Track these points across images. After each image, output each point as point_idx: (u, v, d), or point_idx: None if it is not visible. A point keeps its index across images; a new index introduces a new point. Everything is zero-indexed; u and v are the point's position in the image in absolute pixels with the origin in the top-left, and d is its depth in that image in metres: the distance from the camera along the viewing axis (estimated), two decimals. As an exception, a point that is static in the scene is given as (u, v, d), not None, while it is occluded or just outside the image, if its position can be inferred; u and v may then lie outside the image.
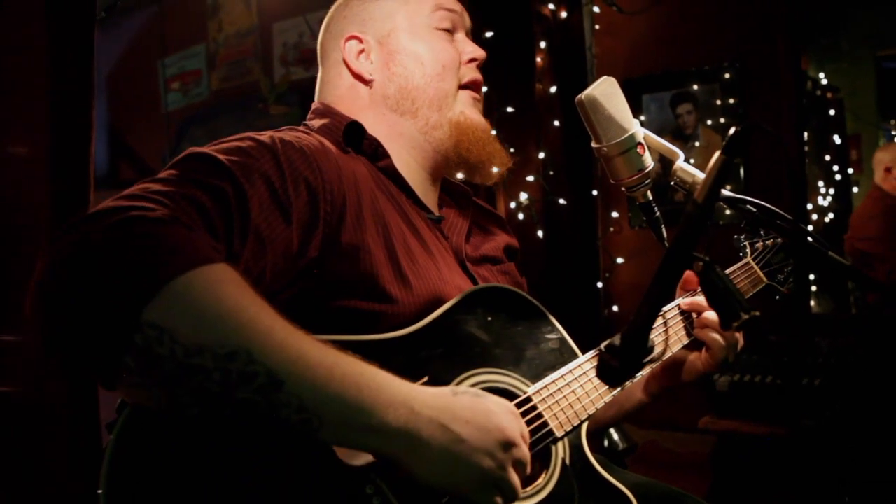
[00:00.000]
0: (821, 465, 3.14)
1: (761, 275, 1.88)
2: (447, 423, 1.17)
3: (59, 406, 1.82)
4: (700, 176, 1.45)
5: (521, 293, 1.56)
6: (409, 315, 1.42)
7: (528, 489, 1.37)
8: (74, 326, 1.02)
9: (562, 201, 3.93)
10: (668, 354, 1.65)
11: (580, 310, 4.04)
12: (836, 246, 4.24)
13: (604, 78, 1.50)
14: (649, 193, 1.55)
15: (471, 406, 1.22)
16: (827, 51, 4.59)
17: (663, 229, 1.58)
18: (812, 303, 4.09)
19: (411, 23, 1.68)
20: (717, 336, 1.66)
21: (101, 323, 1.01)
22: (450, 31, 1.71)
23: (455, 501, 1.23)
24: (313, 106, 1.71)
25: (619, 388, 1.53)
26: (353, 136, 1.58)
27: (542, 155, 3.87)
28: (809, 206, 4.21)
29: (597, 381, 1.49)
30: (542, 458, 1.42)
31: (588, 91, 1.48)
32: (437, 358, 1.38)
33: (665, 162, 1.53)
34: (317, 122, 1.61)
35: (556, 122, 3.96)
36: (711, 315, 1.65)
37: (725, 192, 1.35)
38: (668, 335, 1.65)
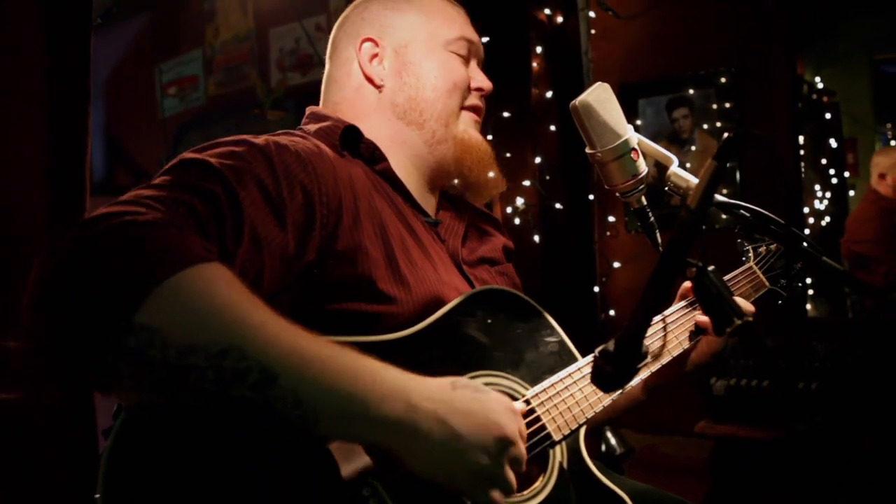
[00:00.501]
0: (818, 469, 3.15)
1: (764, 279, 1.89)
2: (445, 417, 1.17)
3: (56, 411, 1.82)
4: (694, 181, 1.45)
5: (521, 296, 1.57)
6: (407, 317, 1.42)
7: (526, 492, 1.37)
8: (68, 332, 1.02)
9: (558, 206, 3.93)
10: (667, 359, 1.65)
11: (577, 314, 4.04)
12: (833, 249, 4.25)
13: (598, 84, 1.50)
14: (643, 199, 1.56)
15: (470, 401, 1.22)
16: (823, 55, 4.60)
17: (658, 234, 1.58)
18: (808, 306, 4.10)
19: (431, 40, 1.70)
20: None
21: (94, 328, 1.01)
22: (465, 58, 1.74)
23: (451, 497, 1.22)
24: (308, 111, 1.71)
25: (616, 393, 1.53)
26: (350, 139, 1.58)
27: (538, 159, 3.87)
28: (806, 210, 4.21)
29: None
30: (539, 461, 1.42)
31: (582, 97, 1.48)
32: (436, 360, 1.38)
33: (661, 166, 1.53)
34: (312, 127, 1.61)
35: (553, 127, 3.96)
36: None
37: (719, 197, 1.36)
38: (667, 339, 1.65)
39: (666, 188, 1.51)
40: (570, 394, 1.47)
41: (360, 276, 1.39)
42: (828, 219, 4.48)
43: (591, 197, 4.14)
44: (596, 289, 4.15)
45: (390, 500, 1.19)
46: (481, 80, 1.75)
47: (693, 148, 4.12)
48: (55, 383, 1.79)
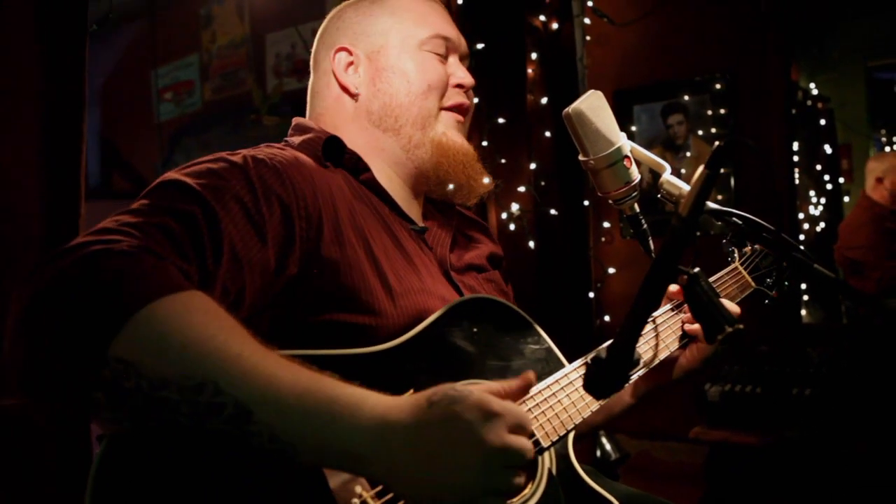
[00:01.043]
0: (812, 475, 3.15)
1: (749, 280, 1.89)
2: (421, 444, 1.11)
3: (51, 416, 1.82)
4: (686, 189, 1.46)
5: (506, 303, 1.56)
6: (393, 327, 1.41)
7: (515, 499, 1.37)
8: (45, 365, 1.02)
9: (553, 212, 3.94)
10: (656, 362, 1.66)
11: (572, 320, 4.04)
12: (828, 255, 4.26)
13: (591, 91, 1.51)
14: (636, 206, 1.57)
15: (446, 420, 1.13)
16: (818, 61, 4.61)
17: (650, 241, 1.59)
18: (803, 313, 4.10)
19: (404, 42, 1.69)
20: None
21: (70, 360, 1.01)
22: (443, 56, 1.72)
23: None
24: (294, 122, 1.72)
25: (605, 399, 1.53)
26: (333, 150, 1.58)
27: (533, 166, 3.88)
28: (801, 216, 4.22)
29: (583, 391, 1.49)
30: (528, 467, 1.42)
31: (575, 105, 1.49)
32: (422, 370, 1.37)
33: (657, 173, 1.54)
34: (296, 138, 1.61)
35: (548, 133, 3.96)
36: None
37: (711, 204, 1.36)
38: (657, 342, 1.66)
39: (658, 195, 1.52)
40: (558, 400, 1.46)
41: (345, 288, 1.39)
42: (822, 224, 4.48)
43: (587, 203, 4.14)
44: (591, 294, 4.15)
45: None
46: (462, 76, 1.73)
47: (688, 154, 4.13)
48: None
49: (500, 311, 1.54)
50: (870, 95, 4.59)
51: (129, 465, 1.09)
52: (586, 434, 1.92)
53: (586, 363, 1.18)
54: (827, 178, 4.61)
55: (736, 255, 1.92)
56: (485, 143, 3.50)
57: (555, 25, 4.12)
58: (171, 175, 1.30)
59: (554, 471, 1.45)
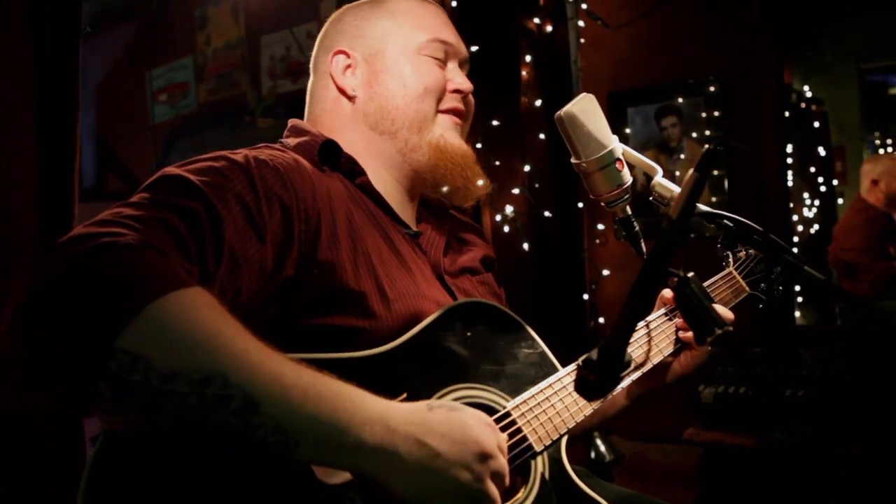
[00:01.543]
0: (806, 476, 3.16)
1: (743, 284, 1.89)
2: (423, 438, 1.18)
3: (43, 417, 1.82)
4: (678, 191, 1.46)
5: (500, 307, 1.57)
6: (387, 331, 1.42)
7: (508, 503, 1.38)
8: (48, 357, 1.02)
9: (547, 214, 3.94)
10: (650, 365, 1.66)
11: (566, 322, 4.05)
12: (822, 257, 4.27)
13: (583, 95, 1.52)
14: (628, 208, 1.57)
15: (446, 420, 1.22)
16: (811, 64, 4.62)
17: (642, 244, 1.60)
18: (797, 314, 4.11)
19: (402, 46, 1.68)
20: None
21: (75, 352, 1.01)
22: (441, 61, 1.72)
23: None
24: (290, 123, 1.72)
25: (597, 403, 1.54)
26: (329, 154, 1.58)
27: (527, 168, 3.88)
28: (795, 218, 4.23)
29: (576, 395, 1.49)
30: (521, 472, 1.42)
31: (567, 108, 1.50)
32: (416, 374, 1.38)
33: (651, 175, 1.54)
34: (292, 140, 1.61)
35: (542, 136, 3.97)
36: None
37: (702, 207, 1.37)
38: (650, 346, 1.66)
39: (650, 198, 1.53)
40: (551, 404, 1.47)
41: (339, 292, 1.39)
42: (816, 226, 4.49)
43: (581, 205, 4.15)
44: (585, 296, 4.16)
45: None
46: (460, 82, 1.72)
47: (682, 156, 4.14)
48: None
49: (493, 314, 1.54)
50: (863, 98, 4.60)
51: (122, 467, 1.09)
52: (580, 436, 1.93)
53: (578, 366, 1.19)
54: (821, 180, 4.62)
55: (731, 259, 1.92)
56: (479, 146, 3.50)
57: (549, 28, 4.13)
58: (172, 170, 1.30)
59: (547, 475, 1.45)
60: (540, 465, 1.45)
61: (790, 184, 4.13)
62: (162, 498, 1.10)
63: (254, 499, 1.14)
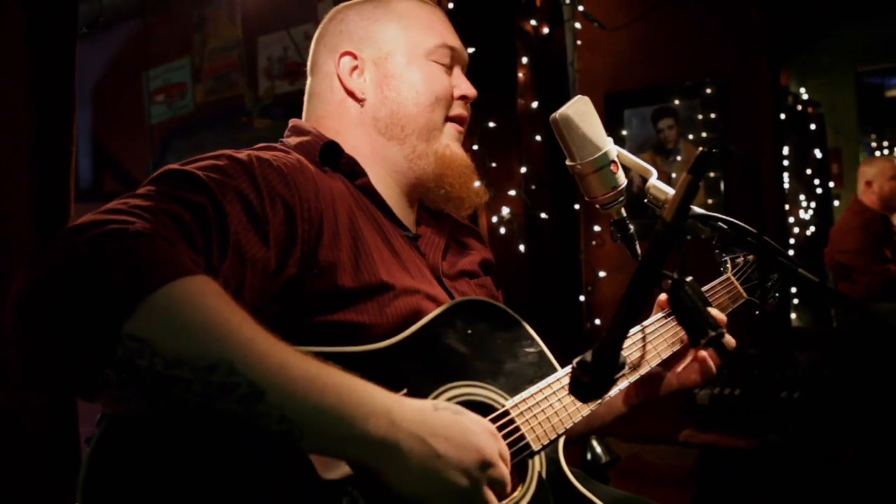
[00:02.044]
0: (803, 478, 3.16)
1: (741, 290, 1.89)
2: (426, 438, 1.18)
3: (37, 417, 1.82)
4: (672, 193, 1.47)
5: (501, 306, 1.57)
6: (388, 328, 1.42)
7: (504, 502, 1.38)
8: (54, 340, 1.02)
9: (544, 216, 3.95)
10: (646, 369, 1.66)
11: (563, 323, 4.05)
12: (818, 259, 4.28)
13: (578, 97, 1.52)
14: (623, 210, 1.57)
15: (450, 423, 1.23)
16: (808, 66, 4.64)
17: (637, 246, 1.60)
18: (792, 316, 4.12)
19: (411, 50, 1.67)
20: (707, 360, 1.69)
21: (82, 336, 1.01)
22: (448, 67, 1.72)
23: None
24: (290, 123, 1.71)
25: (595, 404, 1.54)
26: (330, 155, 1.58)
27: (523, 169, 3.89)
28: (791, 220, 4.24)
29: None
30: (518, 471, 1.43)
31: (562, 110, 1.50)
32: (416, 370, 1.38)
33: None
34: (293, 140, 1.61)
35: (538, 137, 3.98)
36: None
37: (697, 209, 1.37)
38: (646, 350, 1.67)
39: (645, 200, 1.53)
40: (550, 404, 1.48)
41: (340, 290, 1.40)
42: (813, 228, 4.51)
43: (577, 207, 4.15)
44: (581, 298, 4.16)
45: None
46: (465, 88, 1.73)
47: (678, 158, 4.14)
48: (37, 388, 1.80)
49: (494, 313, 1.55)
50: (859, 100, 4.63)
51: (122, 456, 1.10)
52: (578, 440, 1.94)
53: (572, 367, 1.19)
54: (817, 182, 4.64)
55: (729, 265, 1.92)
56: (475, 147, 3.51)
57: (546, 30, 4.14)
58: (177, 166, 1.30)
59: (544, 474, 1.46)
60: (537, 465, 1.45)
61: (786, 186, 4.14)
62: (161, 489, 1.10)
63: (254, 492, 1.14)
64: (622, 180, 1.54)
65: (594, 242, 4.25)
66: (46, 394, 1.83)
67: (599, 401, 1.56)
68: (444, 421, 1.22)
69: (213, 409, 1.05)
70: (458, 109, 1.72)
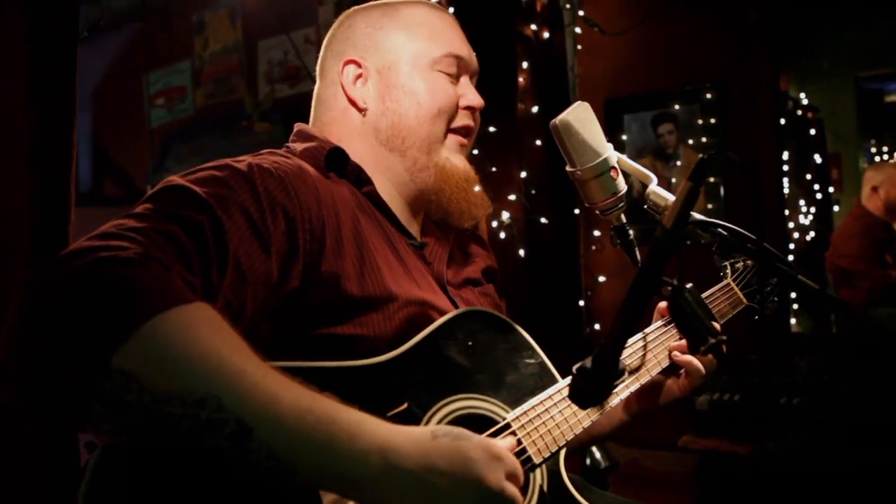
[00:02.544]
0: (802, 484, 3.16)
1: (741, 296, 1.89)
2: (423, 475, 1.13)
3: (36, 421, 1.82)
4: (672, 200, 1.47)
5: (502, 317, 1.56)
6: (391, 339, 1.41)
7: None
8: (42, 374, 1.01)
9: (543, 220, 3.95)
10: (647, 378, 1.66)
11: (562, 328, 4.05)
12: (818, 264, 4.28)
13: (578, 103, 1.52)
14: (623, 216, 1.57)
15: (450, 453, 1.16)
16: (807, 71, 4.63)
17: (637, 252, 1.60)
18: (792, 321, 4.12)
19: (416, 60, 1.65)
20: (693, 361, 1.68)
21: (70, 370, 1.00)
22: (454, 76, 1.69)
23: None
24: (296, 128, 1.70)
25: (596, 413, 1.53)
26: (336, 161, 1.57)
27: (523, 174, 3.89)
28: (791, 225, 4.24)
29: (575, 407, 1.48)
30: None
31: (562, 116, 1.50)
32: (417, 383, 1.37)
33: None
34: (299, 146, 1.59)
35: (538, 142, 3.98)
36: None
37: (696, 215, 1.37)
38: (646, 358, 1.66)
39: (645, 206, 1.53)
40: (551, 416, 1.46)
41: (343, 300, 1.38)
42: (812, 233, 4.50)
43: (577, 211, 4.15)
44: (581, 303, 4.16)
45: None
46: (471, 98, 1.71)
47: (678, 163, 4.14)
48: (32, 420, 1.79)
49: (495, 324, 1.54)
50: (859, 105, 4.61)
51: (127, 463, 1.09)
52: (578, 449, 1.93)
53: (572, 374, 1.19)
54: (817, 187, 4.63)
55: (728, 271, 1.92)
56: (475, 152, 3.50)
57: (546, 34, 4.14)
58: (176, 180, 1.28)
59: (545, 487, 1.45)
60: (539, 478, 1.44)
61: (786, 191, 4.14)
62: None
63: None
64: (622, 186, 1.54)
65: (594, 247, 4.25)
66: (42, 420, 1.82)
67: (600, 410, 1.56)
68: (442, 451, 1.16)
69: (203, 445, 1.04)
70: (463, 120, 1.70)
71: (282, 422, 1.06)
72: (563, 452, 1.49)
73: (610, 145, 1.54)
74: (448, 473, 1.14)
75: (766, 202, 3.97)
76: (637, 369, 1.63)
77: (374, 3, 1.75)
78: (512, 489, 1.20)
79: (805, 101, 4.61)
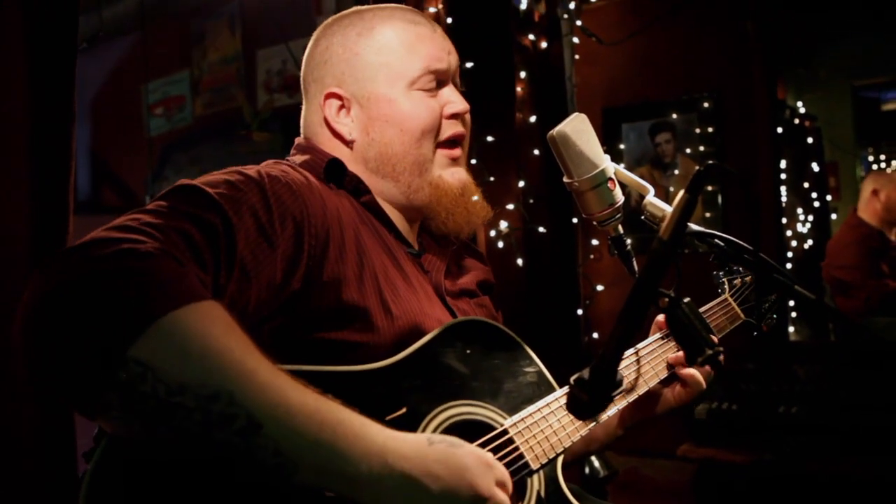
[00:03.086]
0: (801, 492, 3.16)
1: (739, 311, 1.90)
2: (419, 478, 1.17)
3: (35, 431, 1.81)
4: (669, 210, 1.47)
5: (500, 327, 1.58)
6: (389, 346, 1.43)
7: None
8: (59, 358, 1.02)
9: (542, 229, 3.95)
10: (644, 389, 1.67)
11: (561, 337, 4.04)
12: (815, 273, 4.28)
13: (575, 114, 1.53)
14: (620, 227, 1.58)
15: (444, 459, 1.21)
16: (805, 80, 4.65)
17: (634, 263, 1.61)
18: (790, 330, 4.12)
19: (392, 85, 1.63)
20: (695, 374, 1.69)
21: (87, 357, 1.01)
22: (434, 90, 1.67)
23: None
24: (296, 141, 1.72)
25: (593, 422, 1.54)
26: (334, 172, 1.59)
27: (521, 184, 3.89)
28: (788, 234, 4.24)
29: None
30: (517, 490, 1.43)
31: (559, 127, 1.51)
32: (415, 389, 1.39)
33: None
34: (299, 158, 1.62)
35: (536, 151, 3.98)
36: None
37: (693, 226, 1.38)
38: (643, 370, 1.67)
39: (642, 217, 1.54)
40: (549, 423, 1.48)
41: (343, 306, 1.40)
42: (810, 242, 4.51)
43: (575, 220, 4.15)
44: (579, 312, 4.16)
45: None
46: (455, 105, 1.68)
47: (676, 172, 4.15)
48: (35, 401, 1.79)
49: (493, 333, 1.56)
50: (856, 114, 4.63)
51: (125, 470, 1.10)
52: (575, 462, 1.94)
53: (570, 385, 1.20)
54: (814, 195, 4.64)
55: (726, 286, 1.93)
56: (473, 161, 3.51)
57: (544, 44, 4.15)
58: (189, 181, 1.31)
59: (542, 493, 1.46)
60: (536, 484, 1.45)
61: (784, 199, 4.15)
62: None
63: None
64: (619, 197, 1.55)
65: (592, 256, 4.25)
66: (44, 407, 1.82)
67: (597, 419, 1.56)
68: (438, 456, 1.21)
69: (212, 439, 1.05)
70: (451, 129, 1.68)
71: (290, 420, 1.09)
72: (560, 460, 1.50)
73: (607, 156, 1.55)
74: (443, 478, 1.19)
75: (764, 211, 3.98)
76: (635, 381, 1.64)
77: (351, 17, 1.71)
78: (501, 495, 1.25)
79: (802, 110, 4.62)
